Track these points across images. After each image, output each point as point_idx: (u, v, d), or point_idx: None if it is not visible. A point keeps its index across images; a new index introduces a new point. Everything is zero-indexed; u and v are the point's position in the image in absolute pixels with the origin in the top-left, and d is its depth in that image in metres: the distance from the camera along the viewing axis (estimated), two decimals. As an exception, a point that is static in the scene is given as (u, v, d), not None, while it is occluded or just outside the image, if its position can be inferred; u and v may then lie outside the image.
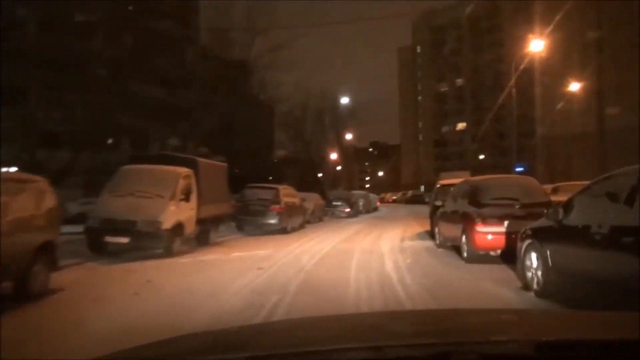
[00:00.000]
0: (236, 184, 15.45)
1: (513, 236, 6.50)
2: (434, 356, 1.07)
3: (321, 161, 38.32)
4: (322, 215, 22.64)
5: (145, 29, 29.38)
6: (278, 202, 14.82)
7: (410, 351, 1.15)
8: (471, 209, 7.40)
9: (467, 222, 7.44)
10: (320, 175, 38.97)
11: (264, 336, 1.53)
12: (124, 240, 9.06)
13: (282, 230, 14.94)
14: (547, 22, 25.50)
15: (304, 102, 34.87)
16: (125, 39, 29.26)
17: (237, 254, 9.85)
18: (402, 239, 12.04)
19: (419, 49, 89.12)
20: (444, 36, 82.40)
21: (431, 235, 11.46)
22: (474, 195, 7.53)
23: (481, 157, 72.73)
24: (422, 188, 68.85)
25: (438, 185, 11.75)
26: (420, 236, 12.94)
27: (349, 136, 41.21)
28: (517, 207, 7.20)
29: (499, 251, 7.26)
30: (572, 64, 39.32)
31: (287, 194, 15.89)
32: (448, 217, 8.67)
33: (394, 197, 60.63)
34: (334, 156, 38.66)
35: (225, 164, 13.45)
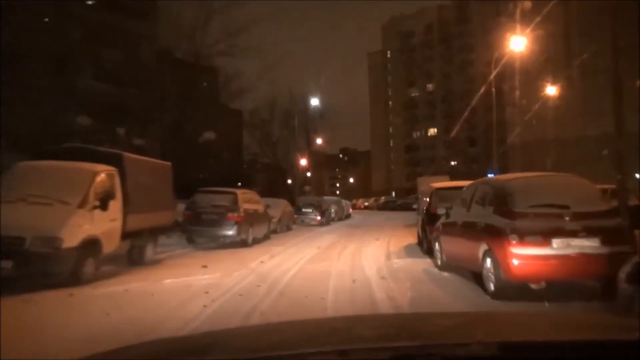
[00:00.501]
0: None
1: (566, 262, 4.28)
2: (398, 358, 1.06)
3: (291, 167, 35.94)
4: (291, 224, 20.20)
5: (95, 22, 26.48)
6: (236, 210, 12.30)
7: (374, 354, 1.11)
8: (500, 221, 5.13)
9: (493, 239, 5.17)
10: (290, 181, 36.61)
11: (228, 341, 1.49)
12: (7, 265, 6.39)
13: (242, 243, 12.46)
14: (518, 27, 24.64)
15: (271, 101, 32.50)
16: (72, 31, 26.26)
17: (171, 280, 7.29)
18: (388, 255, 9.68)
19: (389, 54, 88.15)
20: (414, 41, 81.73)
21: (427, 250, 9.16)
22: (503, 201, 5.27)
23: (452, 163, 72.05)
24: (393, 194, 67.52)
25: (433, 189, 9.40)
26: (409, 251, 10.60)
27: (319, 141, 39.06)
28: (568, 218, 4.95)
29: (543, 283, 4.99)
30: (546, 70, 38.64)
31: (248, 199, 13.37)
32: (457, 231, 6.37)
33: (366, 204, 58.56)
34: (303, 162, 36.33)
35: (168, 163, 10.85)
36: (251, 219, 13.02)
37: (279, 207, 18.63)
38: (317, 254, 10.57)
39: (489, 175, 31.47)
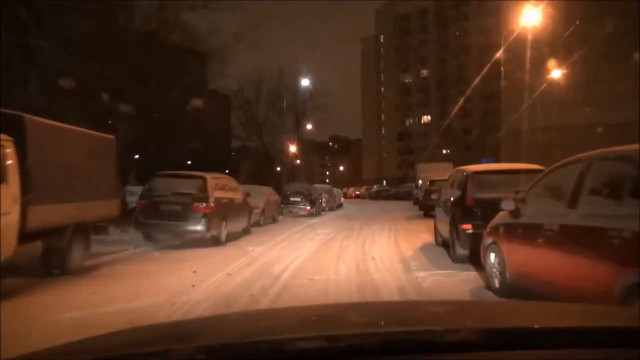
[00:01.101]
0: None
1: None
2: (384, 344, 1.06)
3: (279, 153, 33.29)
4: (276, 215, 17.64)
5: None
6: (204, 199, 9.68)
7: (362, 340, 1.11)
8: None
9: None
10: (278, 169, 33.97)
11: (216, 327, 1.47)
12: None
13: (213, 241, 9.90)
14: (517, 12, 22.69)
15: (257, 79, 29.61)
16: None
17: (71, 313, 4.64)
18: (406, 264, 6.98)
19: (382, 39, 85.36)
20: (408, 25, 78.92)
21: (459, 258, 6.58)
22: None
23: (445, 151, 69.87)
24: (384, 183, 65.17)
25: (470, 174, 6.67)
26: (430, 255, 7.87)
27: (309, 126, 36.39)
28: None
29: None
30: (544, 56, 36.66)
31: (221, 186, 10.73)
32: (546, 239, 3.75)
33: (357, 192, 56.18)
34: (292, 148, 33.71)
35: (110, 137, 8.17)
36: (225, 210, 10.42)
37: (263, 195, 16.04)
38: (307, 258, 7.97)
39: (484, 162, 29.18)
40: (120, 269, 7.32)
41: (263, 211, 15.45)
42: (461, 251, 6.50)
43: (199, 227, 9.57)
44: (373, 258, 7.67)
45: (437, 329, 1.16)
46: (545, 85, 33.84)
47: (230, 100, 34.89)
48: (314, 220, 17.64)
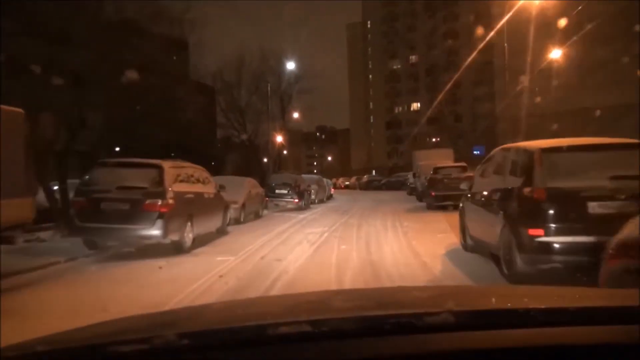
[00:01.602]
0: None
1: None
2: (365, 328, 1.07)
3: (265, 143, 30.94)
4: (260, 209, 15.44)
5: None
6: (159, 195, 7.39)
7: (343, 324, 1.10)
8: None
9: None
10: (265, 160, 31.61)
11: (203, 315, 1.48)
12: None
13: (175, 248, 7.66)
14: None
15: (239, 60, 27.00)
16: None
17: None
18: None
19: (369, 25, 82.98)
20: (396, 10, 76.53)
21: (515, 273, 4.36)
22: None
23: (434, 140, 68.06)
24: (374, 172, 63.14)
25: (538, 152, 4.32)
26: (469, 269, 5.53)
27: (295, 115, 33.94)
28: None
29: None
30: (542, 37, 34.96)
31: (185, 177, 8.42)
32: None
33: (347, 183, 54.08)
34: (279, 139, 31.39)
35: (16, 110, 5.82)
36: (190, 207, 8.15)
37: (243, 188, 13.79)
38: (294, 278, 5.69)
39: (475, 152, 27.27)
40: (28, 297, 5.04)
41: (243, 206, 13.21)
42: (524, 267, 4.31)
43: (153, 231, 7.29)
44: (389, 276, 5.42)
45: (419, 312, 1.18)
46: (545, 63, 32.11)
47: (214, 92, 32.60)
48: (303, 215, 15.44)
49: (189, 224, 8.06)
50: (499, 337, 1.02)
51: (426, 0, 71.26)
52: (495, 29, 27.06)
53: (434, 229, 9.62)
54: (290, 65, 29.93)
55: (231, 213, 12.35)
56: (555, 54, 31.92)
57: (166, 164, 7.81)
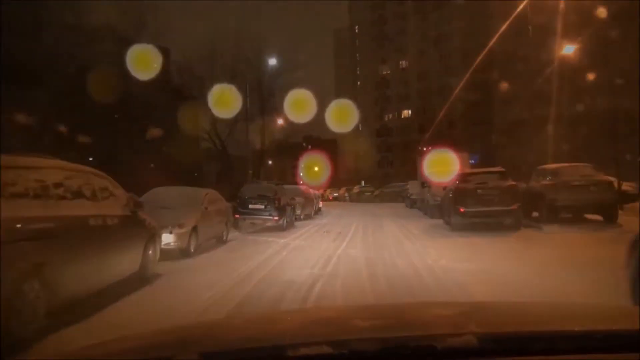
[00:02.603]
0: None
1: None
2: (386, 350, 1.05)
3: (246, 149, 26.73)
4: (224, 232, 11.13)
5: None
6: None
7: (365, 345, 1.09)
8: None
9: None
10: (250, 171, 27.27)
11: (220, 332, 1.46)
12: None
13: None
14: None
15: (210, 52, 22.69)
16: None
17: None
18: None
19: (357, 29, 79.56)
20: (385, 13, 73.17)
21: None
22: None
23: (424, 149, 64.44)
24: (363, 183, 59.15)
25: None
26: None
27: (280, 121, 29.75)
28: None
29: None
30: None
31: (32, 188, 4.08)
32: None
33: (335, 194, 49.85)
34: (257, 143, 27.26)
35: None
36: (36, 250, 3.83)
37: (195, 204, 9.52)
38: None
39: (471, 162, 23.98)
40: None
41: (194, 230, 8.88)
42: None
43: None
44: None
45: (440, 333, 1.14)
46: (556, 63, 28.94)
47: (197, 99, 28.55)
48: (283, 240, 11.17)
49: (34, 284, 3.76)
50: None
51: (416, 2, 67.97)
52: (490, 44, 25.03)
53: (505, 272, 5.44)
54: (272, 61, 25.92)
55: (171, 242, 8.11)
56: (568, 49, 28.55)
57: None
